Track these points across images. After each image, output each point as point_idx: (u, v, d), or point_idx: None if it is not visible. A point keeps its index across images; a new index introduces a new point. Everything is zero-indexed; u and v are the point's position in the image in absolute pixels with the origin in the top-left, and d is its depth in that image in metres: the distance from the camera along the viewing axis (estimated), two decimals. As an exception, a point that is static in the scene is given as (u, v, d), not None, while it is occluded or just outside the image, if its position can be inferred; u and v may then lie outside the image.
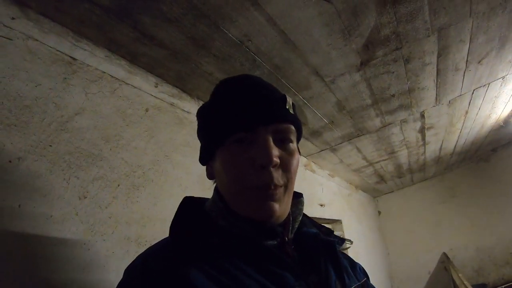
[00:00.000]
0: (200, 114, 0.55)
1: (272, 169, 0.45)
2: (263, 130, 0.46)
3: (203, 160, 0.55)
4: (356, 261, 0.65)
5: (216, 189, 0.53)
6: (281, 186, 0.46)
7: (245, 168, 0.45)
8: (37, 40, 0.72)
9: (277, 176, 0.46)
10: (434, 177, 4.09)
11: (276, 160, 0.45)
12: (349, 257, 0.64)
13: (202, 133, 0.54)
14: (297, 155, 0.50)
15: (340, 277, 0.51)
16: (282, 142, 0.48)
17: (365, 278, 0.61)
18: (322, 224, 0.63)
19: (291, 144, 0.49)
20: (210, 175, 0.54)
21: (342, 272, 0.52)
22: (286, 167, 0.47)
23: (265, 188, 0.45)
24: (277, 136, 0.47)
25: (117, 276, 0.41)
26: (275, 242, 0.49)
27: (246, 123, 0.46)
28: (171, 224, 0.47)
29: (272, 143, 0.46)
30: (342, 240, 0.59)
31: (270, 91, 0.50)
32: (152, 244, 0.48)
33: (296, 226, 0.53)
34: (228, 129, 0.46)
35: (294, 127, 0.50)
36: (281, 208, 0.47)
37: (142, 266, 0.42)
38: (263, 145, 0.45)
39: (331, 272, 0.51)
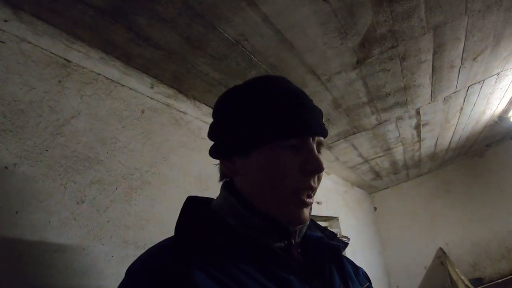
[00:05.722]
0: (231, 104, 0.52)
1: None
2: (311, 139, 0.49)
3: (226, 154, 0.51)
4: (358, 265, 0.65)
5: (228, 187, 0.51)
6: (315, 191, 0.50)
7: (293, 171, 0.47)
8: (30, 42, 0.71)
9: (315, 181, 0.49)
10: (429, 172, 4.13)
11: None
12: (352, 261, 0.64)
13: (234, 125, 0.50)
14: None
15: (344, 282, 0.52)
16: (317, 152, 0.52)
17: (368, 283, 0.61)
18: (326, 227, 0.63)
19: (320, 154, 0.53)
20: (230, 172, 0.51)
21: (347, 277, 0.53)
22: (319, 176, 0.51)
23: (307, 191, 0.48)
24: (316, 146, 0.50)
25: (116, 280, 0.40)
26: (282, 245, 0.49)
27: (301, 131, 0.48)
28: (177, 224, 0.47)
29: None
30: (346, 244, 0.60)
31: (312, 101, 0.54)
32: (154, 244, 0.47)
33: (304, 230, 0.54)
34: (282, 133, 0.47)
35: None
36: (310, 214, 0.51)
37: (144, 266, 0.41)
38: (314, 153, 0.48)
39: (336, 277, 0.51)
